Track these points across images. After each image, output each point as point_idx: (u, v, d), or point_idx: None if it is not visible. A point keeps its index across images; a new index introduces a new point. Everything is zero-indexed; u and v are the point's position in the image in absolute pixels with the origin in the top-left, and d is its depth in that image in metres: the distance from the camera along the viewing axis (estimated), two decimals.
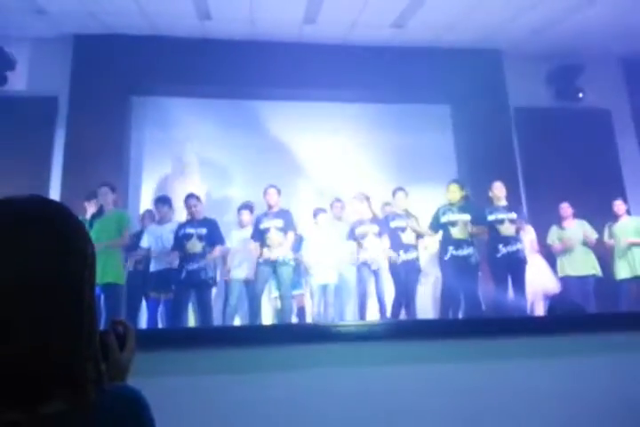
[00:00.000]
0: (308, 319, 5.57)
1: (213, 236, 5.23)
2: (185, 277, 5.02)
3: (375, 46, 6.93)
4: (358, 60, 6.76)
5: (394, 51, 6.91)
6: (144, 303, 5.54)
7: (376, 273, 5.40)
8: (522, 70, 7.27)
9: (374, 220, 5.60)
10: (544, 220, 6.25)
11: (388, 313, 5.30)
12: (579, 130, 7.14)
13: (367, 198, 5.69)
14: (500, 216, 5.38)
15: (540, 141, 7.08)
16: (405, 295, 5.32)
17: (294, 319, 5.51)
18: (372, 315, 5.41)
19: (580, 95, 7.35)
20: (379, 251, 5.41)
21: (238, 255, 5.58)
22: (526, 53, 7.22)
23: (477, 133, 6.98)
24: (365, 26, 6.67)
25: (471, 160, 7.03)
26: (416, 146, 6.99)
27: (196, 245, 5.11)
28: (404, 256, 5.34)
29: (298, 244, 5.63)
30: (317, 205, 5.99)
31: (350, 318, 5.62)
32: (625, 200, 6.30)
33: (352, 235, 5.53)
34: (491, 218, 5.37)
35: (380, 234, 5.49)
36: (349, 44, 6.95)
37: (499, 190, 5.48)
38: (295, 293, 5.64)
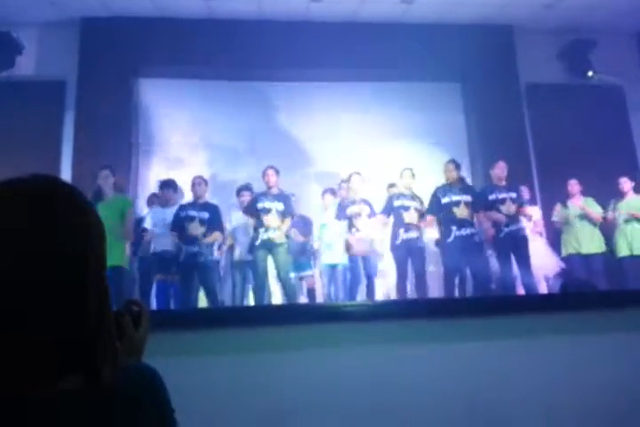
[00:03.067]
0: (319, 300, 5.58)
1: (214, 221, 5.19)
2: (184, 260, 5.02)
3: (384, 23, 6.82)
4: (366, 38, 6.65)
5: (403, 27, 6.79)
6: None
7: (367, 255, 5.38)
8: (533, 46, 7.14)
9: (365, 200, 5.55)
10: (555, 197, 6.21)
11: (393, 295, 5.32)
12: (591, 106, 7.03)
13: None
14: (502, 196, 5.37)
15: (552, 118, 6.98)
16: (415, 275, 5.32)
17: (304, 300, 5.54)
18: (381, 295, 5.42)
19: (592, 73, 7.18)
20: (371, 231, 5.40)
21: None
22: (538, 29, 7.08)
23: (488, 110, 6.90)
24: (374, 2, 6.56)
25: (482, 138, 6.96)
26: (426, 124, 6.92)
27: (196, 229, 5.07)
28: (404, 235, 5.31)
29: (307, 226, 5.64)
30: (326, 187, 5.96)
31: (361, 298, 5.64)
32: (638, 177, 6.23)
33: (342, 214, 5.46)
34: (492, 197, 5.36)
35: (371, 215, 5.47)
36: (357, 21, 6.84)
37: (500, 170, 5.46)
38: (304, 274, 5.68)
